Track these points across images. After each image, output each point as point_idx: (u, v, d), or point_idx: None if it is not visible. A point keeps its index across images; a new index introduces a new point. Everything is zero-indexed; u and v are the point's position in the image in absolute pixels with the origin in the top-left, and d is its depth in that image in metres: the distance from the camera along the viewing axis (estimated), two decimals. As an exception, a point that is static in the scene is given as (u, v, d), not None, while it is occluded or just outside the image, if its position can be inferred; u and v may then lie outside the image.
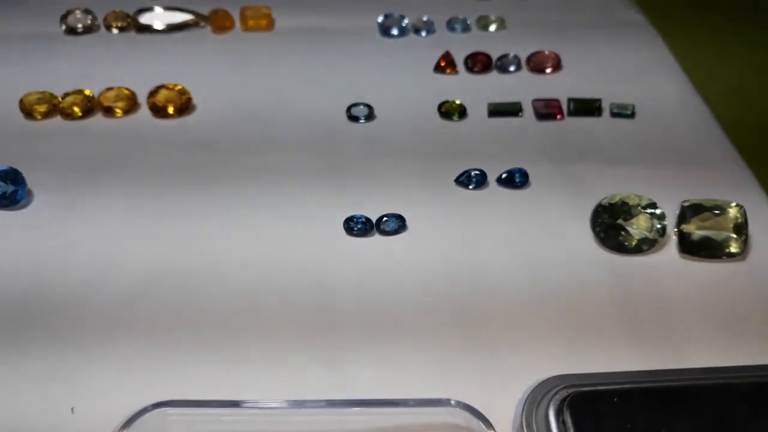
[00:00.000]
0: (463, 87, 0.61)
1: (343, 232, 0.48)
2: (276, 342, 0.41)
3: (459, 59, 0.63)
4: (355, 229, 0.47)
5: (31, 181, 0.50)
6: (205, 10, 0.69)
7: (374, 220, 0.48)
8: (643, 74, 0.62)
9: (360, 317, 0.42)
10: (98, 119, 0.58)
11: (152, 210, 0.49)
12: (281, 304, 0.43)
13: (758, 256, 0.46)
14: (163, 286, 0.44)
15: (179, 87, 0.58)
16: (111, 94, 0.58)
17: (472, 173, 0.51)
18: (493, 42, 0.66)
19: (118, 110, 0.57)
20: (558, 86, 0.61)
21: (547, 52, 0.63)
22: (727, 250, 0.46)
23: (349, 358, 0.40)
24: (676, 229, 0.47)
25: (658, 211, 0.47)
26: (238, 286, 0.44)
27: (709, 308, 0.43)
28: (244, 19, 0.68)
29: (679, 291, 0.44)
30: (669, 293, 0.44)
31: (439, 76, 0.63)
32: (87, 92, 0.58)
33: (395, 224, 0.48)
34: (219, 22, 0.68)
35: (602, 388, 0.36)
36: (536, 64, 0.62)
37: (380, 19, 0.68)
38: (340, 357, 0.40)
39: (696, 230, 0.46)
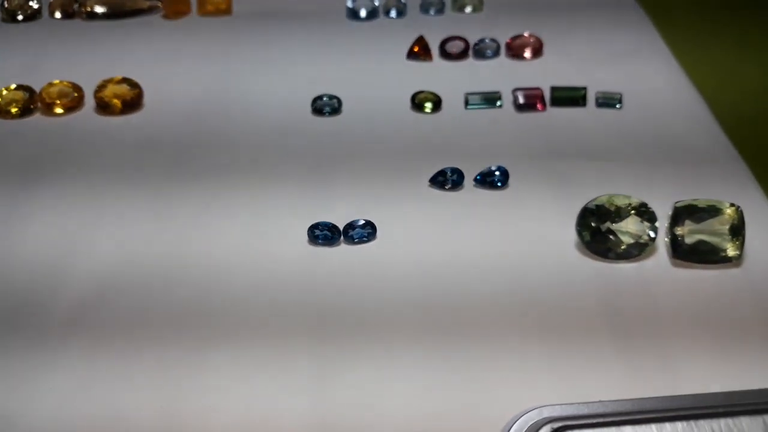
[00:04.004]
0: (438, 75, 0.57)
1: (307, 240, 0.44)
2: (233, 357, 0.37)
3: (433, 44, 0.59)
4: (321, 237, 0.43)
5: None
6: (158, -6, 0.64)
7: (341, 227, 0.44)
8: (631, 59, 0.58)
9: (321, 338, 0.39)
10: (37, 118, 0.53)
11: (96, 218, 0.45)
12: (235, 319, 0.39)
13: (756, 259, 0.43)
14: (109, 294, 0.40)
15: (129, 81, 0.53)
16: (54, 89, 0.53)
17: (448, 173, 0.47)
18: (469, 25, 0.61)
19: (58, 108, 0.53)
20: (539, 73, 0.57)
21: (527, 35, 0.59)
22: (722, 255, 0.42)
23: (305, 384, 0.36)
24: (668, 233, 0.43)
25: (648, 214, 0.43)
26: (189, 299, 0.40)
27: (705, 319, 0.40)
28: (201, 2, 0.63)
29: (672, 300, 0.41)
30: (661, 303, 0.41)
31: (413, 63, 0.58)
32: (27, 87, 0.53)
33: (364, 232, 0.44)
34: (174, 6, 0.63)
35: (591, 421, 0.32)
36: (516, 49, 0.58)
37: (349, 2, 0.63)
38: (299, 384, 0.36)
39: (689, 234, 0.43)
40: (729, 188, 0.47)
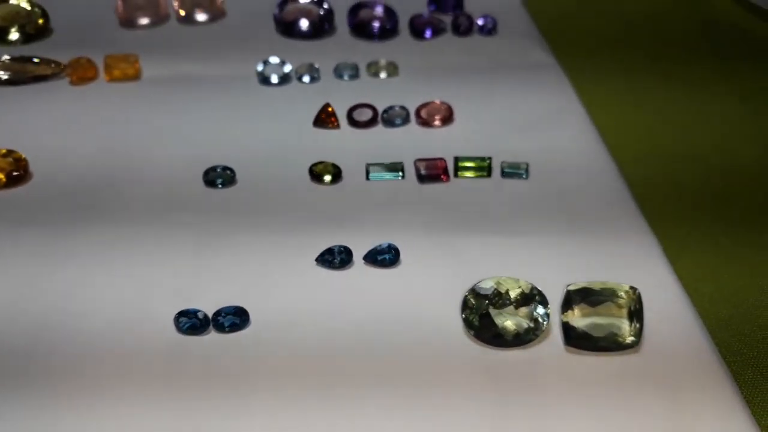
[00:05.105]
0: (344, 143, 0.55)
1: (174, 329, 0.41)
2: None
3: (342, 111, 0.57)
4: (186, 325, 0.40)
5: None
6: (66, 59, 0.62)
7: (210, 315, 0.41)
8: (546, 124, 0.56)
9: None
10: None
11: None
12: (100, 393, 0.36)
13: (655, 345, 0.40)
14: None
15: (14, 153, 0.51)
16: (-66, 163, 0.51)
17: (336, 251, 0.44)
18: (382, 90, 0.59)
19: (-68, 184, 0.50)
20: (448, 142, 0.54)
21: (438, 103, 0.57)
22: (619, 341, 0.40)
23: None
24: (560, 318, 0.40)
25: (540, 297, 0.40)
26: (56, 370, 0.38)
27: (599, 408, 0.37)
28: (108, 68, 0.61)
29: (564, 392, 0.38)
30: (552, 395, 0.38)
31: (319, 131, 0.56)
32: None
33: (235, 319, 0.41)
34: (79, 72, 0.61)
35: None
36: (425, 116, 0.56)
37: (260, 67, 0.61)
38: None
39: (582, 318, 0.40)
40: (636, 261, 0.44)
